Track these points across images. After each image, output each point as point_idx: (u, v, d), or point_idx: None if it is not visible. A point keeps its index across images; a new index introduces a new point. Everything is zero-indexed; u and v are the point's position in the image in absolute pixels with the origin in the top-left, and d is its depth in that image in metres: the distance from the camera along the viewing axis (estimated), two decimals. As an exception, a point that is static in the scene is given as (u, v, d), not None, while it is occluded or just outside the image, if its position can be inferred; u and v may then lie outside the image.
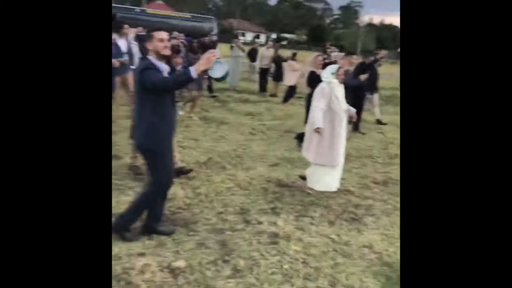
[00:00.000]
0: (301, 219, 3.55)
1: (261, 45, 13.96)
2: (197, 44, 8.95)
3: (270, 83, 11.08)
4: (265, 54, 11.08)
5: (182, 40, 8.73)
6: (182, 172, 4.23)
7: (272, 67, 10.91)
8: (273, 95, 10.55)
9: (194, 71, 2.64)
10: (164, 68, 2.81)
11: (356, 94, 6.10)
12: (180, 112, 6.45)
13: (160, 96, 2.77)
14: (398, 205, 3.86)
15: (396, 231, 3.42)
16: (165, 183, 2.95)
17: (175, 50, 5.12)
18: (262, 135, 6.64)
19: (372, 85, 7.39)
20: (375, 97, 7.90)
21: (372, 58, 7.52)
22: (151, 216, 3.05)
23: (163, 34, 2.80)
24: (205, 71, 2.93)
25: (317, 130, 3.97)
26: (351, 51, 11.37)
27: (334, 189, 4.19)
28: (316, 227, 3.44)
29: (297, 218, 3.56)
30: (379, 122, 8.12)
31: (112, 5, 19.54)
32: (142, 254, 2.76)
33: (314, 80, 5.22)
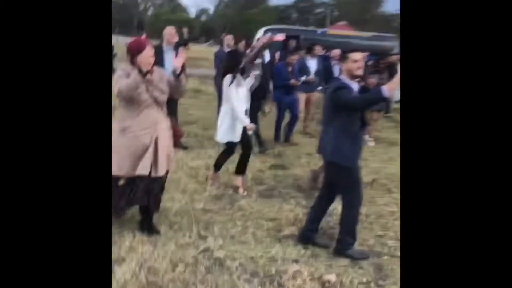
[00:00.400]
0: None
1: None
2: (382, 63, 8.74)
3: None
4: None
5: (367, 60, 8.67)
6: None
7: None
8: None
9: (387, 90, 2.63)
10: (355, 87, 2.91)
11: None
12: (370, 143, 6.46)
13: (350, 115, 2.86)
14: None
15: None
16: (358, 198, 3.00)
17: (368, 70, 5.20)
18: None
19: None
20: None
21: None
22: (310, 225, 3.16)
23: (358, 56, 2.89)
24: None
25: None
26: None
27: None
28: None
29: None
30: None
31: (298, 28, 20.96)
32: (296, 261, 2.87)
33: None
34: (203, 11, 65.43)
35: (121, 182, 2.91)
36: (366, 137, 6.52)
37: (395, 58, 9.74)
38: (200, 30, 53.91)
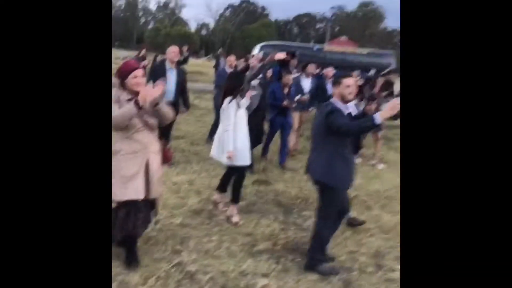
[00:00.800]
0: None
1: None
2: (376, 80, 8.64)
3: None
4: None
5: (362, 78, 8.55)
6: (354, 223, 4.04)
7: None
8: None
9: (379, 118, 2.65)
10: (350, 108, 3.00)
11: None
12: (379, 166, 6.58)
13: (343, 139, 2.95)
14: None
15: None
16: (333, 220, 3.09)
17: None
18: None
19: None
20: None
21: None
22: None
23: (351, 81, 2.98)
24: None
25: None
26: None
27: None
28: None
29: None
30: None
31: (294, 44, 20.96)
32: (265, 275, 2.96)
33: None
34: (203, 26, 66.05)
35: (113, 205, 2.79)
36: (375, 161, 6.65)
37: (392, 76, 9.90)
38: (200, 44, 54.37)
